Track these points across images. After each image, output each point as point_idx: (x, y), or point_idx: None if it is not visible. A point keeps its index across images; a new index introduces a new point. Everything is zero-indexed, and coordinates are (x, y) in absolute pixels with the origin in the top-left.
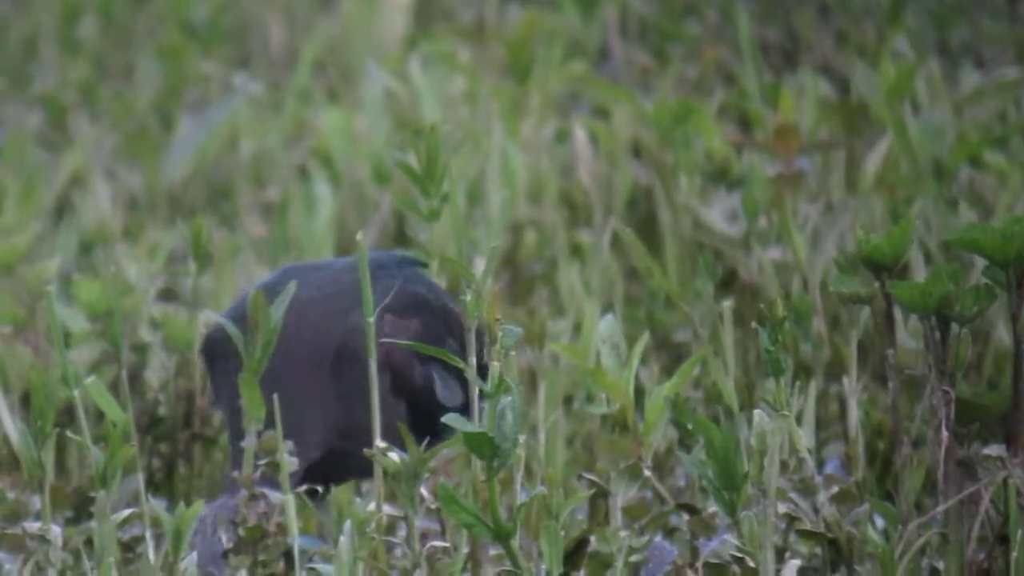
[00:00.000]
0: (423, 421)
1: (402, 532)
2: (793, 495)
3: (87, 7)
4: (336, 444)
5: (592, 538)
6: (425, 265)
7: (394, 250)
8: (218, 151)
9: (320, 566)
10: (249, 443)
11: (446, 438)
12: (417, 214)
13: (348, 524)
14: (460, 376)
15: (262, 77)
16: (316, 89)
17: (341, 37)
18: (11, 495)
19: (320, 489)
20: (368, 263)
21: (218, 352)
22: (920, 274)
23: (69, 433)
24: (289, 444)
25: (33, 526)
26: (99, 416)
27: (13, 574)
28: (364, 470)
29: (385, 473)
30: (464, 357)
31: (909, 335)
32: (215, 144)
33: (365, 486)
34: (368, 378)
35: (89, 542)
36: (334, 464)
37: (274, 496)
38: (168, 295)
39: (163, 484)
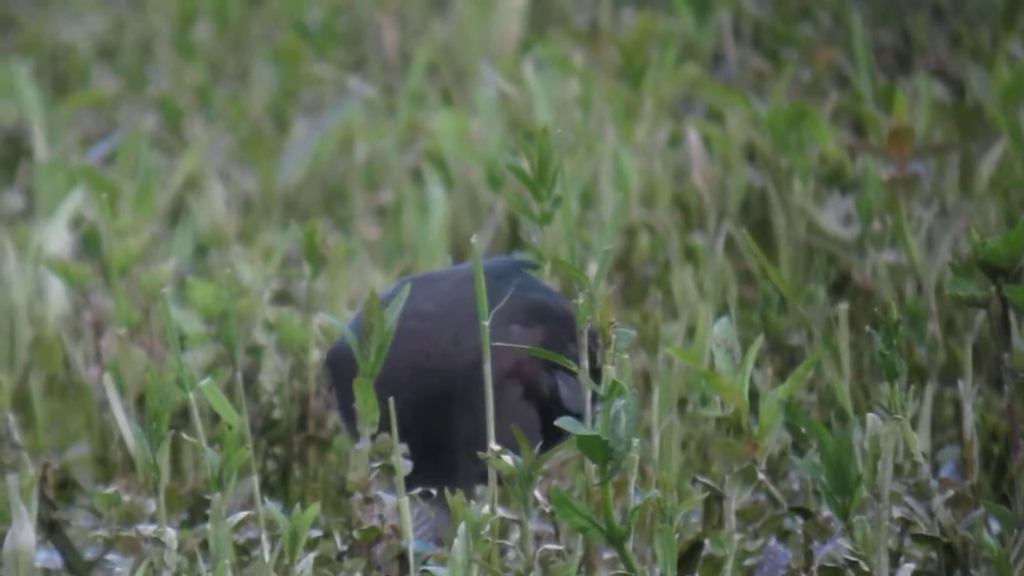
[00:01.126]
0: (554, 427)
1: (516, 535)
2: (908, 499)
3: (202, 10)
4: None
5: (706, 541)
6: (538, 267)
7: (507, 254)
8: (332, 154)
9: (434, 569)
10: (363, 446)
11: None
12: (529, 217)
13: (462, 527)
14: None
15: (376, 80)
16: (430, 92)
17: (455, 39)
18: (126, 498)
19: (434, 492)
20: (485, 271)
21: (343, 364)
22: None
23: (184, 435)
24: (404, 447)
25: (148, 529)
26: (214, 419)
27: None
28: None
29: (500, 476)
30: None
31: None
32: (329, 147)
33: (479, 489)
34: (508, 393)
35: (204, 545)
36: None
37: (388, 499)
38: (282, 298)
39: (278, 487)
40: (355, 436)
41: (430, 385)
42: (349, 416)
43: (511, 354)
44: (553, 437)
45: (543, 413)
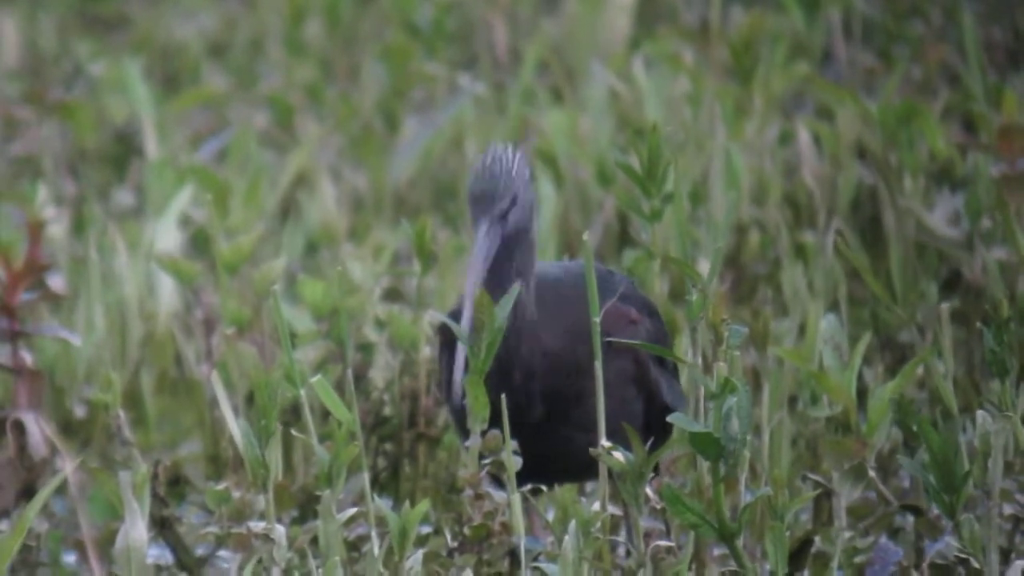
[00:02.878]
0: (653, 419)
1: (627, 532)
2: (1019, 496)
3: (313, 9)
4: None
5: (816, 538)
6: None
7: (615, 254)
8: (443, 151)
9: (545, 565)
10: (474, 443)
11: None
12: (639, 215)
13: (573, 524)
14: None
15: (486, 78)
16: (540, 89)
17: (565, 38)
18: (237, 494)
19: (544, 488)
20: (596, 269)
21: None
22: None
23: (294, 432)
24: (515, 444)
25: (258, 525)
26: (324, 415)
27: (235, 572)
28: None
29: (610, 472)
30: (674, 371)
31: None
32: (440, 144)
33: (589, 485)
34: (622, 370)
35: (314, 541)
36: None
37: (499, 495)
38: (393, 295)
39: (388, 483)
40: (448, 397)
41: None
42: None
43: (632, 331)
44: (653, 424)
45: (649, 401)
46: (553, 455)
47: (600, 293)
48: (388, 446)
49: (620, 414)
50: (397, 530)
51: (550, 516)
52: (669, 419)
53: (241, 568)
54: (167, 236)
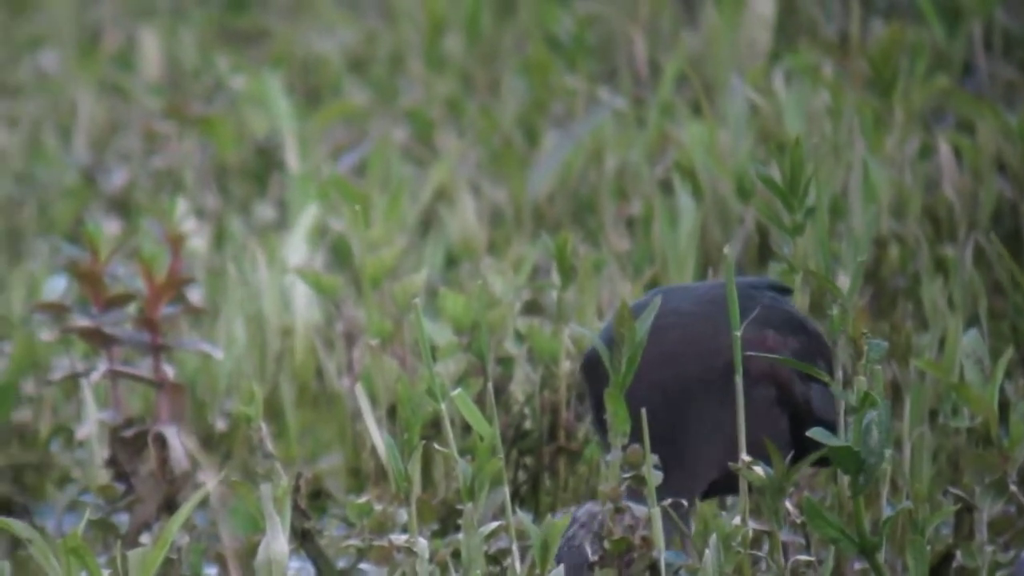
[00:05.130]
0: (803, 438)
1: (767, 546)
2: None
3: (453, 22)
4: (732, 461)
5: (957, 553)
6: (790, 291)
7: (756, 266)
8: (582, 165)
9: None
10: (614, 456)
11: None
12: (781, 228)
13: (714, 538)
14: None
15: (626, 91)
16: (679, 103)
17: (704, 51)
18: (378, 507)
19: (685, 503)
20: (738, 284)
21: (598, 370)
22: None
23: (436, 446)
24: (655, 457)
25: (400, 538)
26: (465, 429)
27: None
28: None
29: (750, 487)
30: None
31: None
32: (579, 158)
33: (729, 500)
34: (760, 395)
35: (456, 555)
36: (725, 483)
37: (639, 509)
38: (533, 308)
39: (529, 497)
40: (606, 442)
41: (686, 375)
42: (602, 423)
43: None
44: (802, 444)
45: (794, 419)
46: None
47: (741, 315)
48: (528, 460)
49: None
50: (538, 544)
51: (691, 530)
52: (809, 434)
53: None
54: (307, 250)
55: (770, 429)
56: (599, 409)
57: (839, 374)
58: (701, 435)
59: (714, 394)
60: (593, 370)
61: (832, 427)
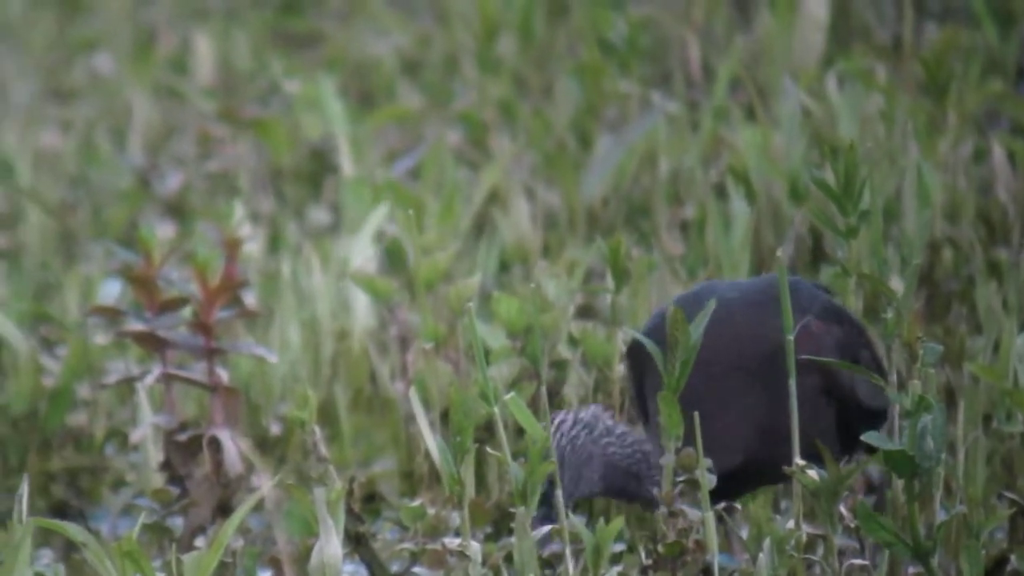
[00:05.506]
0: (849, 426)
1: (821, 550)
2: None
3: (507, 25)
4: (758, 450)
5: (1012, 557)
6: (828, 290)
7: (809, 269)
8: (636, 169)
9: None
10: (667, 460)
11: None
12: (834, 232)
13: (767, 542)
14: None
15: (679, 95)
16: (733, 107)
17: (758, 54)
18: (431, 511)
19: (739, 506)
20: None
21: (640, 352)
22: None
23: (489, 449)
24: (708, 461)
25: (453, 542)
26: (519, 432)
27: None
28: (781, 478)
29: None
30: (878, 369)
31: None
32: (633, 162)
33: (783, 503)
34: (806, 384)
35: (508, 558)
36: (751, 472)
37: (693, 513)
38: (586, 312)
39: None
40: (643, 417)
41: (723, 360)
42: (641, 401)
43: (814, 346)
44: (849, 434)
45: (842, 408)
46: None
47: (778, 309)
48: None
49: (811, 429)
50: (591, 548)
51: (744, 534)
52: (863, 438)
53: None
54: (362, 253)
55: (816, 418)
56: (640, 390)
57: (893, 377)
58: (726, 420)
59: (752, 380)
60: (636, 355)
61: (879, 416)
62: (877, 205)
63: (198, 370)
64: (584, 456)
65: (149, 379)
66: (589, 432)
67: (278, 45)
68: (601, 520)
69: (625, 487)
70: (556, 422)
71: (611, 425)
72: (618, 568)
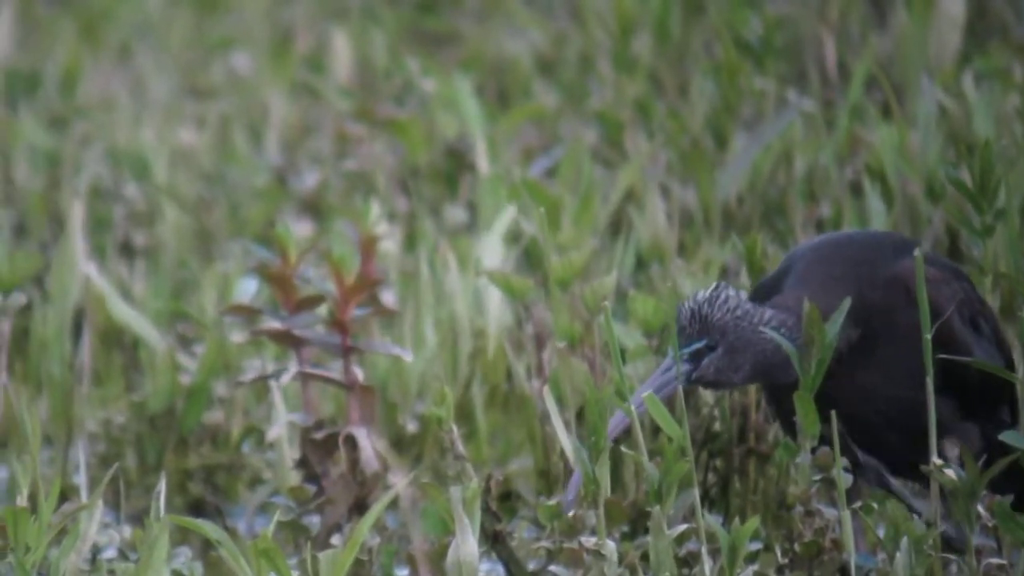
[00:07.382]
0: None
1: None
2: None
3: (643, 24)
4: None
5: None
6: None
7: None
8: (772, 167)
9: None
10: (804, 459)
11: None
12: (970, 230)
13: (905, 541)
14: (994, 342)
15: (815, 93)
16: (869, 105)
17: (894, 52)
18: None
19: (876, 505)
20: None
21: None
22: None
23: (624, 448)
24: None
25: (589, 541)
26: (655, 431)
27: None
28: None
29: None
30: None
31: None
32: (769, 160)
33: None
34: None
35: (644, 557)
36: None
37: (830, 512)
38: None
39: (718, 499)
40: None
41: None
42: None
43: (932, 289)
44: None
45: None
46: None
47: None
48: (718, 462)
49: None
50: (727, 547)
51: (881, 533)
52: (1001, 437)
53: None
54: (497, 252)
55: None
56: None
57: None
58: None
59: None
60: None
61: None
62: (1013, 204)
63: (334, 368)
64: (743, 343)
65: (285, 377)
66: (750, 321)
67: (415, 44)
68: (737, 519)
69: (769, 373)
70: (721, 292)
71: (767, 316)
72: (754, 567)
